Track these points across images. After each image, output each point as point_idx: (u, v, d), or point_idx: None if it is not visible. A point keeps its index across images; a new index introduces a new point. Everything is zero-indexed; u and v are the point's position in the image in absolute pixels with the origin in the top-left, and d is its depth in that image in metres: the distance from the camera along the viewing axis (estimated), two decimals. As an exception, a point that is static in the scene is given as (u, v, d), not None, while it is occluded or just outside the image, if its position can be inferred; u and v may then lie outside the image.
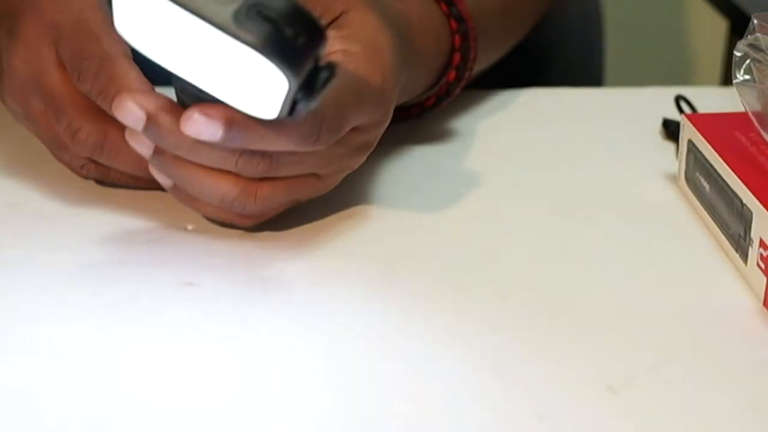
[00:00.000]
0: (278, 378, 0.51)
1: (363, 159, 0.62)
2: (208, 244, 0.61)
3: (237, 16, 0.51)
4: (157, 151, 0.58)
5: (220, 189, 0.58)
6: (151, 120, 0.56)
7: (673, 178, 0.68)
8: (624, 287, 0.58)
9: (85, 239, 0.61)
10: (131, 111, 0.56)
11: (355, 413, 0.49)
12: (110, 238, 0.61)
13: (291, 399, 0.50)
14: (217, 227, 0.62)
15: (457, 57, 0.70)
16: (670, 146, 0.71)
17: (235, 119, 0.55)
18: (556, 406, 0.49)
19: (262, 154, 0.57)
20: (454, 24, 0.70)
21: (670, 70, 1.75)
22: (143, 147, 0.58)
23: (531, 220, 0.64)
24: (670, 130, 0.73)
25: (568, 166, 0.70)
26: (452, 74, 0.71)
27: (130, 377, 0.51)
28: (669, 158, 0.70)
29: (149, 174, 0.60)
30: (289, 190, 0.59)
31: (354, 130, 0.59)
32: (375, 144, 0.62)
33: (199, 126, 0.54)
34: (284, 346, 0.53)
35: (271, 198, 0.59)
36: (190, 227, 0.62)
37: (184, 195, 0.60)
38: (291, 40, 0.52)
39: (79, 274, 0.58)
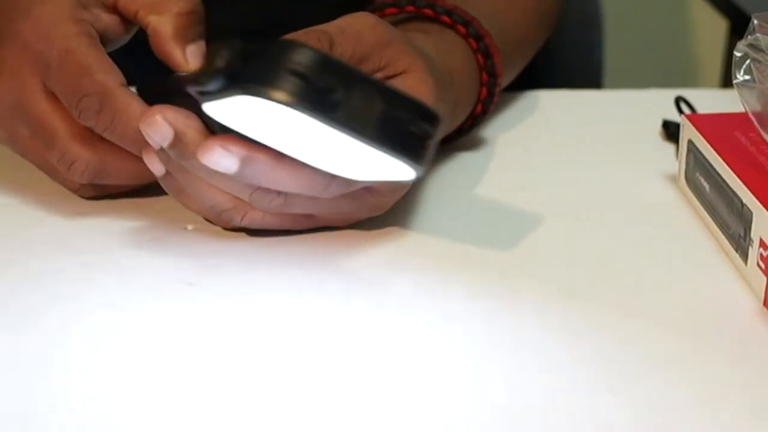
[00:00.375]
0: (279, 378, 0.51)
1: (370, 215, 0.61)
2: (208, 244, 0.61)
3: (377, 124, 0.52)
4: (171, 169, 0.58)
5: (215, 197, 0.58)
6: (178, 138, 0.56)
7: (673, 179, 0.68)
8: (624, 287, 0.58)
9: (85, 239, 0.61)
10: (160, 127, 0.56)
11: (356, 413, 0.49)
12: (110, 238, 0.61)
13: (291, 399, 0.50)
14: (217, 227, 0.62)
15: (484, 91, 0.70)
16: (670, 147, 0.71)
17: (253, 157, 0.55)
18: (555, 406, 0.49)
19: (278, 192, 0.57)
20: (476, 48, 0.70)
21: (670, 70, 1.75)
22: (157, 167, 0.58)
23: (531, 221, 0.64)
24: (670, 131, 0.73)
25: (568, 167, 0.70)
26: (479, 108, 0.71)
27: (129, 377, 0.51)
28: (669, 159, 0.70)
29: (147, 182, 0.61)
30: (280, 221, 0.60)
31: (368, 189, 0.59)
32: (387, 208, 0.61)
33: (217, 158, 0.54)
34: (285, 346, 0.53)
35: (260, 222, 0.60)
36: (190, 227, 0.62)
37: (174, 185, 0.60)
38: (420, 137, 0.53)
39: (79, 274, 0.58)
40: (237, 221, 0.59)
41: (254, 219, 0.59)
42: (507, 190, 0.66)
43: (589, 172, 0.69)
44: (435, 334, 0.54)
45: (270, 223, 0.60)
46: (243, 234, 0.61)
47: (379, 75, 0.58)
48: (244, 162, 0.54)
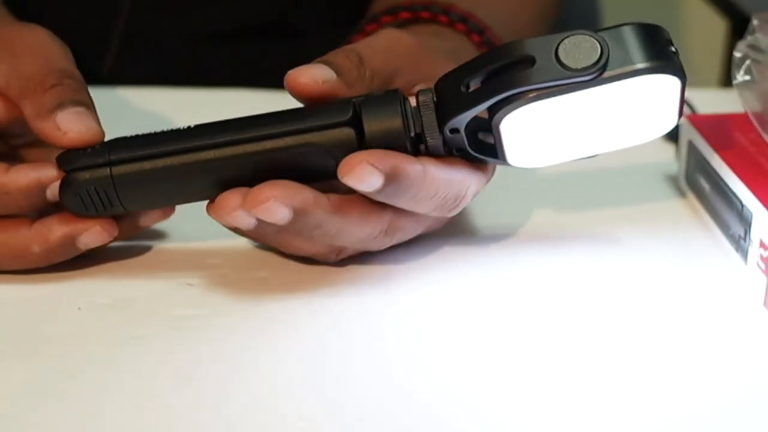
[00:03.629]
0: (279, 378, 0.51)
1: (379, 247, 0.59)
2: (208, 244, 0.61)
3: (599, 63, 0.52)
4: (259, 227, 0.55)
5: (312, 249, 0.57)
6: (300, 213, 0.53)
7: (673, 179, 0.68)
8: (623, 287, 0.58)
9: (85, 239, 0.61)
10: (275, 211, 0.53)
11: (357, 412, 0.49)
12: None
13: (291, 399, 0.50)
14: (217, 228, 0.62)
15: None
16: (669, 147, 0.71)
17: (398, 170, 0.52)
18: (555, 406, 0.49)
19: (395, 232, 0.56)
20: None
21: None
22: (247, 224, 0.54)
23: (530, 221, 0.64)
24: (670, 131, 0.73)
25: (567, 167, 0.70)
26: None
27: (129, 377, 0.51)
28: (669, 159, 0.70)
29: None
30: (370, 246, 0.58)
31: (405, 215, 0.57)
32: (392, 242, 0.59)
33: (362, 174, 0.52)
34: (285, 346, 0.53)
35: (352, 252, 0.58)
36: (190, 227, 0.62)
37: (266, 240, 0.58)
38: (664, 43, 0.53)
39: (79, 274, 0.58)
40: (332, 259, 0.58)
41: (346, 254, 0.58)
42: (504, 189, 0.66)
43: (588, 172, 0.69)
44: (435, 340, 0.54)
45: (362, 249, 0.58)
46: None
47: (415, 89, 0.57)
48: (389, 175, 0.52)
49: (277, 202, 0.52)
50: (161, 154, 0.54)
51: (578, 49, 0.52)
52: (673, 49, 0.54)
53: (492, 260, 0.60)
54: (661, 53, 0.53)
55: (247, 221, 0.53)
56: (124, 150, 0.54)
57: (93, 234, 0.56)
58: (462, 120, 0.54)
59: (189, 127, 0.55)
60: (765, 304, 0.56)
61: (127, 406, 0.49)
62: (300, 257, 0.59)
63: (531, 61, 0.52)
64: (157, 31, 0.87)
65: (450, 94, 0.54)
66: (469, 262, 0.60)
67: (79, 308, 0.56)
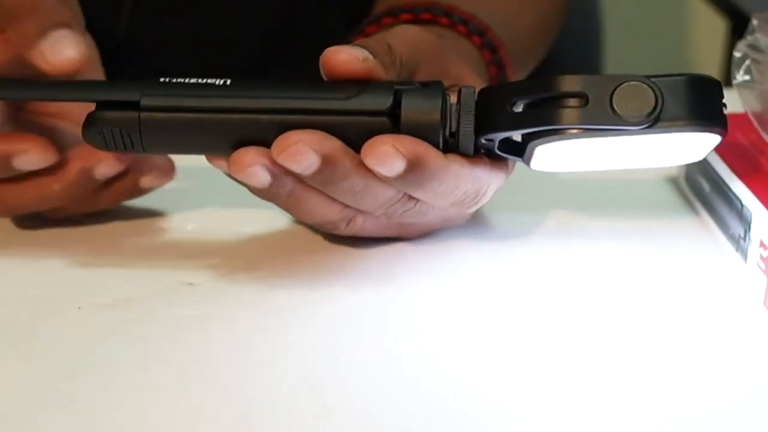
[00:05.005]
0: (279, 378, 0.51)
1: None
2: (208, 244, 0.61)
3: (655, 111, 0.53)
4: (274, 184, 0.54)
5: (327, 210, 0.56)
6: (328, 162, 0.52)
7: (673, 179, 0.68)
8: (623, 287, 0.58)
9: (85, 239, 0.61)
10: (305, 156, 0.52)
11: (358, 412, 0.49)
12: (110, 238, 0.61)
13: (292, 399, 0.50)
14: (217, 227, 0.62)
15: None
16: (670, 146, 0.71)
17: (421, 159, 0.52)
18: (555, 406, 0.49)
19: (416, 200, 0.55)
20: (489, 60, 0.69)
21: (669, 70, 1.74)
22: (262, 177, 0.53)
23: (530, 221, 0.64)
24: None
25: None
26: None
27: (129, 377, 0.51)
28: (669, 158, 0.70)
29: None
30: (383, 229, 0.58)
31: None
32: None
33: (385, 157, 0.52)
34: (285, 347, 0.53)
35: (360, 228, 0.58)
36: (190, 227, 0.62)
37: (279, 200, 0.56)
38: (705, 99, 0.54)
39: (79, 273, 0.58)
40: (341, 230, 0.58)
41: (357, 225, 0.58)
42: (504, 190, 0.66)
43: (588, 172, 0.69)
44: (437, 338, 0.54)
45: (369, 228, 0.58)
46: (243, 234, 0.61)
47: (455, 87, 0.57)
48: (411, 164, 0.52)
49: (305, 146, 0.52)
50: (194, 108, 0.54)
51: (634, 97, 0.52)
52: (724, 106, 0.54)
53: (482, 255, 0.60)
54: (714, 112, 0.54)
55: (262, 177, 0.53)
56: (157, 96, 0.54)
57: (108, 163, 0.57)
58: (500, 136, 0.54)
59: (225, 83, 0.54)
60: (765, 304, 0.56)
61: (127, 406, 0.49)
62: (302, 252, 0.59)
63: (584, 98, 0.53)
64: (159, 40, 0.87)
65: (494, 107, 0.54)
66: (473, 256, 0.60)
67: (79, 308, 0.56)
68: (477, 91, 0.55)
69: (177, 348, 0.53)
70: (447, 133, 0.54)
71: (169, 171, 0.61)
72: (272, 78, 0.54)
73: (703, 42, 1.73)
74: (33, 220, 0.62)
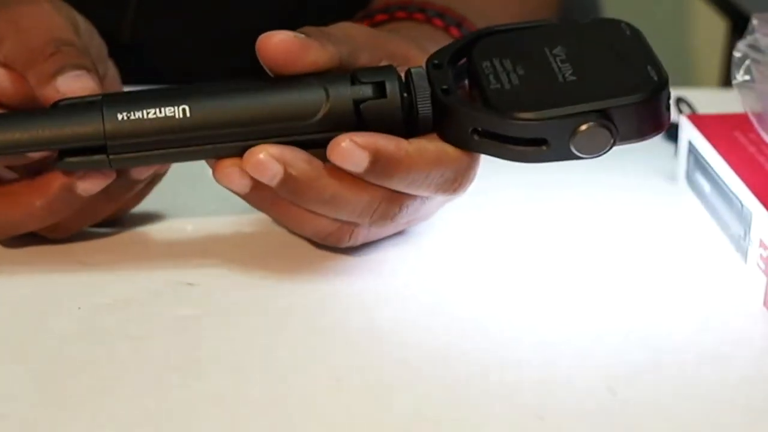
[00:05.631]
0: (278, 378, 0.51)
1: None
2: (208, 244, 0.61)
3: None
4: (256, 189, 0.55)
5: (319, 224, 0.57)
6: (288, 175, 0.53)
7: (673, 179, 0.68)
8: (623, 287, 0.58)
9: (84, 239, 0.61)
10: (267, 166, 0.53)
11: (358, 412, 0.49)
12: (110, 238, 0.61)
13: (292, 399, 0.50)
14: (217, 227, 0.62)
15: None
16: (669, 147, 0.71)
17: (382, 151, 0.53)
18: (556, 406, 0.49)
19: (400, 202, 0.56)
20: None
21: (669, 70, 1.75)
22: (241, 186, 0.55)
23: (530, 222, 0.64)
24: (670, 131, 0.73)
25: (567, 167, 0.70)
26: None
27: (129, 377, 0.51)
28: (669, 159, 0.70)
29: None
30: (385, 230, 0.59)
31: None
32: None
33: (347, 154, 0.53)
34: (285, 347, 0.53)
35: (366, 236, 0.58)
36: (189, 227, 0.62)
37: (271, 211, 0.58)
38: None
39: (79, 273, 0.58)
40: (346, 242, 0.58)
41: (362, 234, 0.58)
42: (504, 190, 0.66)
43: (588, 172, 0.69)
44: (438, 336, 0.54)
45: (375, 234, 0.59)
46: (243, 234, 0.61)
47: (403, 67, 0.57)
48: (375, 156, 0.53)
49: (268, 157, 0.53)
50: (159, 145, 0.54)
51: (592, 138, 0.53)
52: (668, 107, 0.56)
53: (482, 254, 0.60)
54: (661, 121, 0.56)
55: (241, 183, 0.54)
56: (122, 139, 0.54)
57: (91, 179, 0.56)
58: (444, 54, 0.56)
59: (185, 114, 0.54)
60: (765, 304, 0.56)
61: (127, 406, 0.49)
62: (308, 256, 0.59)
63: (545, 143, 0.54)
64: (163, 43, 0.87)
65: (451, 122, 0.55)
66: (459, 257, 0.60)
67: (79, 308, 0.56)
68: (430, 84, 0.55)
69: (177, 348, 0.53)
70: (405, 103, 0.55)
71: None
72: (231, 94, 0.54)
73: (703, 42, 1.73)
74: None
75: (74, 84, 0.55)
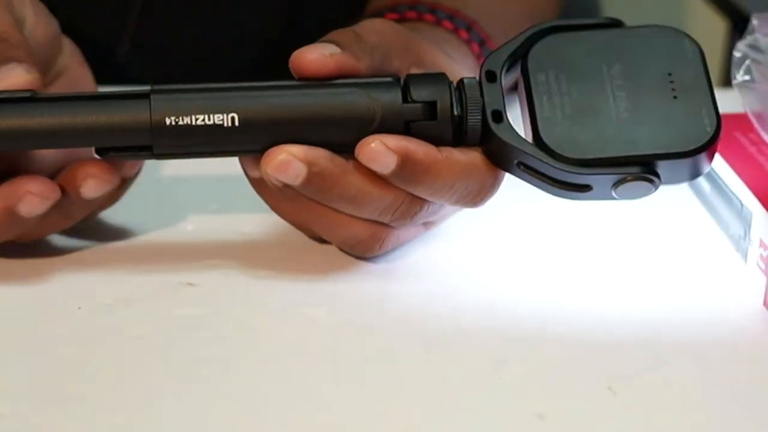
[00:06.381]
0: (278, 378, 0.51)
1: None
2: (208, 244, 0.61)
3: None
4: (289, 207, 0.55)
5: (350, 228, 0.56)
6: (314, 169, 0.53)
7: (673, 179, 0.68)
8: (623, 287, 0.58)
9: (84, 239, 0.61)
10: (291, 167, 0.53)
11: (358, 412, 0.49)
12: (110, 238, 0.61)
13: (292, 398, 0.50)
14: (217, 227, 0.62)
15: None
16: (669, 146, 0.71)
17: (411, 156, 0.53)
18: (556, 406, 0.49)
19: (422, 199, 0.55)
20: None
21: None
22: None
23: (529, 222, 0.64)
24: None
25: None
26: None
27: (129, 377, 0.51)
28: (669, 158, 0.70)
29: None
30: (412, 234, 0.59)
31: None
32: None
33: (376, 154, 0.53)
34: (284, 347, 0.53)
35: (396, 242, 0.58)
36: (190, 227, 0.62)
37: (297, 219, 0.58)
38: None
39: (79, 273, 0.58)
40: (376, 251, 0.58)
41: (391, 241, 0.58)
42: (503, 190, 0.66)
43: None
44: (437, 337, 0.54)
45: (404, 239, 0.58)
46: (243, 234, 0.61)
47: (412, 71, 0.57)
48: (403, 160, 0.53)
49: (290, 156, 0.53)
50: (204, 153, 0.55)
51: (634, 189, 0.54)
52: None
53: (483, 254, 0.60)
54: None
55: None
56: (169, 144, 0.54)
57: (29, 202, 0.54)
58: (497, 60, 0.56)
59: (234, 124, 0.54)
60: (765, 304, 0.56)
61: (127, 406, 0.49)
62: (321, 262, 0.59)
63: (589, 188, 0.54)
64: (166, 39, 0.87)
65: (498, 154, 0.55)
66: (460, 257, 0.60)
67: (79, 308, 0.56)
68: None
69: (177, 348, 0.53)
70: (456, 113, 0.55)
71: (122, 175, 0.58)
72: (280, 107, 0.53)
73: (703, 42, 1.73)
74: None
75: (5, 78, 0.53)
